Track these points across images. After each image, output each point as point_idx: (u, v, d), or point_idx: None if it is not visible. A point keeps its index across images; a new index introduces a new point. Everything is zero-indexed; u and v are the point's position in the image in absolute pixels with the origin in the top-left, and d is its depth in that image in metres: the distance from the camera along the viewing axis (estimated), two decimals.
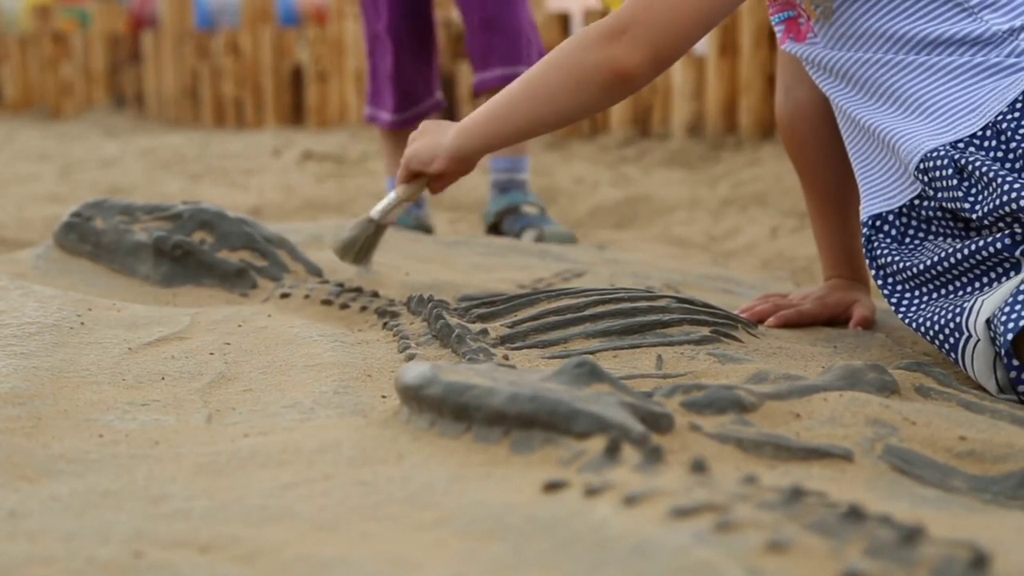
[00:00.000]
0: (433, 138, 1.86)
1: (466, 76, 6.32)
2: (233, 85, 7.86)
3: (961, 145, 1.52)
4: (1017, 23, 1.56)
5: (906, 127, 1.59)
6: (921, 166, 1.55)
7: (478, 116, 1.81)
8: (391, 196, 1.99)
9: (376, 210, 2.01)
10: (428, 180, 1.92)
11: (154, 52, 8.52)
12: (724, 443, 1.11)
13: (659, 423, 1.09)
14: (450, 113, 6.46)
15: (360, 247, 2.03)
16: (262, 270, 2.04)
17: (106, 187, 4.83)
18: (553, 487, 0.94)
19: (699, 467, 0.96)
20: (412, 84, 3.19)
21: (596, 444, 1.01)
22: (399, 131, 3.13)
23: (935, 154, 1.53)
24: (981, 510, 1.04)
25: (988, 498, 1.07)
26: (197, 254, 2.02)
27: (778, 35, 1.77)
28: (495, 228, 3.13)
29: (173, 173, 5.45)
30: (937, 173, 1.53)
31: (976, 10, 1.58)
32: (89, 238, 2.11)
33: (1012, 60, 1.55)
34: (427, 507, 0.97)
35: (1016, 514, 1.03)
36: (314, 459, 1.11)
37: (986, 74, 1.56)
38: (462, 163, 1.84)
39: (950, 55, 1.58)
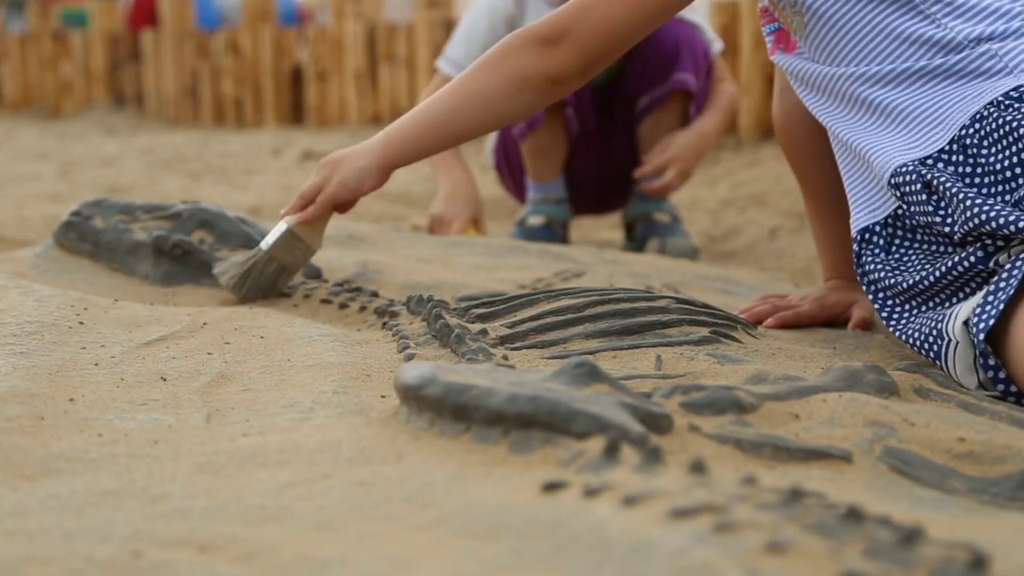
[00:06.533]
0: (350, 163, 1.86)
1: None
2: (233, 85, 7.86)
3: (929, 161, 1.54)
4: (985, 31, 1.57)
5: (878, 141, 1.61)
6: (892, 181, 1.57)
7: (407, 126, 1.84)
8: (280, 226, 1.92)
9: (265, 240, 1.93)
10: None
11: (154, 51, 8.52)
12: (723, 444, 1.11)
13: (658, 424, 1.09)
14: None
15: (256, 279, 1.92)
16: None
17: (106, 186, 4.82)
18: (552, 487, 0.94)
19: (698, 468, 0.96)
20: None
21: (595, 444, 1.01)
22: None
23: (904, 169, 1.55)
24: (980, 511, 1.04)
25: (987, 499, 1.07)
26: (196, 253, 2.02)
27: (768, 45, 1.78)
28: (630, 230, 3.28)
29: (173, 172, 5.45)
30: (908, 188, 1.56)
31: (938, 16, 1.59)
32: (88, 237, 2.10)
33: (977, 64, 1.56)
34: (426, 507, 0.97)
35: (1015, 515, 1.03)
36: (313, 459, 1.11)
37: (952, 78, 1.57)
38: (388, 175, 1.88)
39: (916, 60, 1.59)
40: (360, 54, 7.02)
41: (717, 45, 3.28)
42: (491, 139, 3.45)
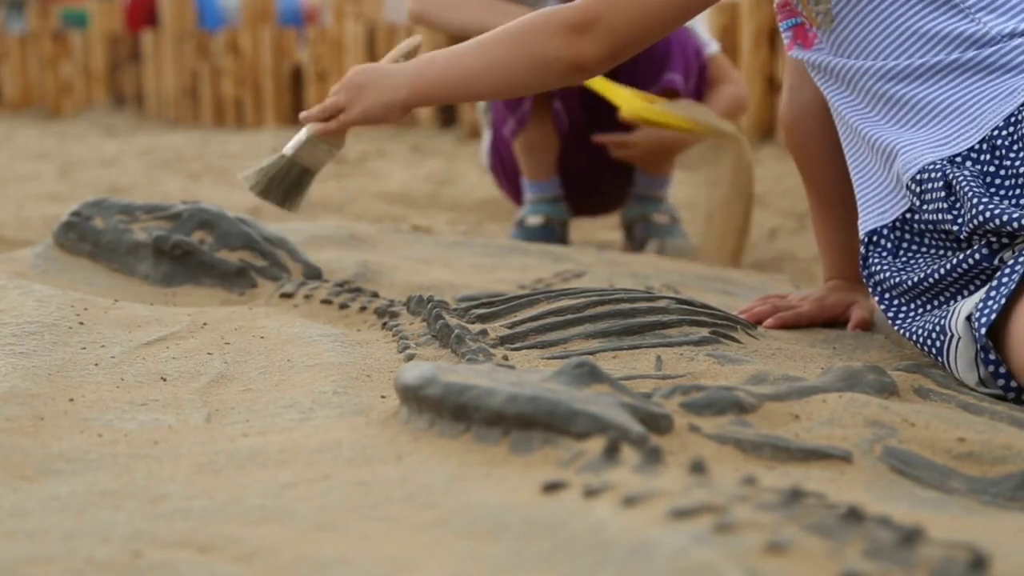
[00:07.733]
0: (376, 95, 1.88)
1: None
2: (233, 85, 7.86)
3: (958, 159, 1.54)
4: (1019, 27, 1.57)
5: (906, 137, 1.60)
6: (917, 178, 1.56)
7: (438, 72, 1.86)
8: (301, 133, 1.97)
9: (288, 146, 1.98)
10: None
11: (154, 52, 8.52)
12: (723, 444, 1.11)
13: (658, 424, 1.09)
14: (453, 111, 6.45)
15: (279, 183, 1.99)
16: (262, 270, 2.03)
17: (106, 186, 4.82)
18: (552, 488, 0.94)
19: (698, 468, 0.96)
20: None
21: (595, 445, 1.01)
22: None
23: (931, 167, 1.55)
24: (980, 511, 1.04)
25: (987, 499, 1.07)
26: (196, 254, 2.02)
27: (786, 41, 1.78)
28: (629, 231, 3.34)
29: (173, 172, 5.45)
30: (929, 186, 1.55)
31: (972, 11, 1.58)
32: (88, 237, 2.10)
33: (1008, 58, 1.55)
34: (426, 507, 0.97)
35: (1015, 515, 1.03)
36: (313, 459, 1.11)
37: (982, 72, 1.57)
38: (408, 113, 1.94)
39: (948, 53, 1.59)
40: (360, 54, 7.02)
41: (712, 47, 3.29)
42: (485, 141, 3.46)
